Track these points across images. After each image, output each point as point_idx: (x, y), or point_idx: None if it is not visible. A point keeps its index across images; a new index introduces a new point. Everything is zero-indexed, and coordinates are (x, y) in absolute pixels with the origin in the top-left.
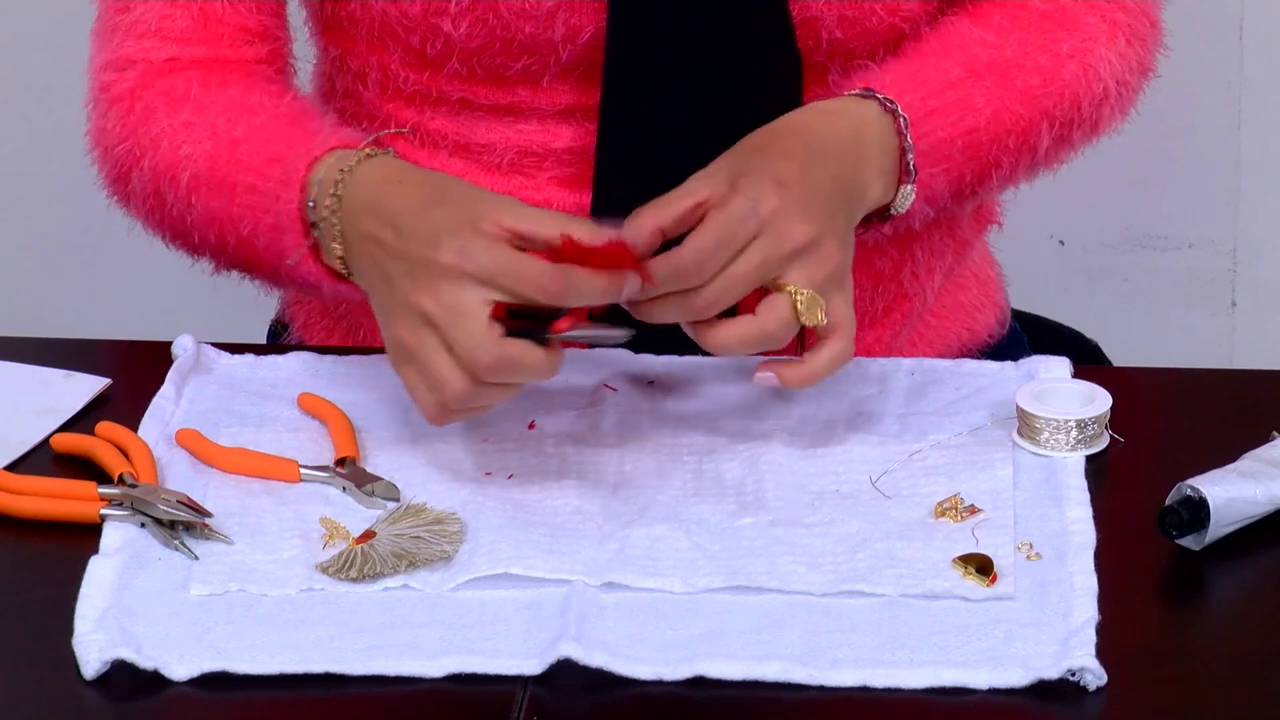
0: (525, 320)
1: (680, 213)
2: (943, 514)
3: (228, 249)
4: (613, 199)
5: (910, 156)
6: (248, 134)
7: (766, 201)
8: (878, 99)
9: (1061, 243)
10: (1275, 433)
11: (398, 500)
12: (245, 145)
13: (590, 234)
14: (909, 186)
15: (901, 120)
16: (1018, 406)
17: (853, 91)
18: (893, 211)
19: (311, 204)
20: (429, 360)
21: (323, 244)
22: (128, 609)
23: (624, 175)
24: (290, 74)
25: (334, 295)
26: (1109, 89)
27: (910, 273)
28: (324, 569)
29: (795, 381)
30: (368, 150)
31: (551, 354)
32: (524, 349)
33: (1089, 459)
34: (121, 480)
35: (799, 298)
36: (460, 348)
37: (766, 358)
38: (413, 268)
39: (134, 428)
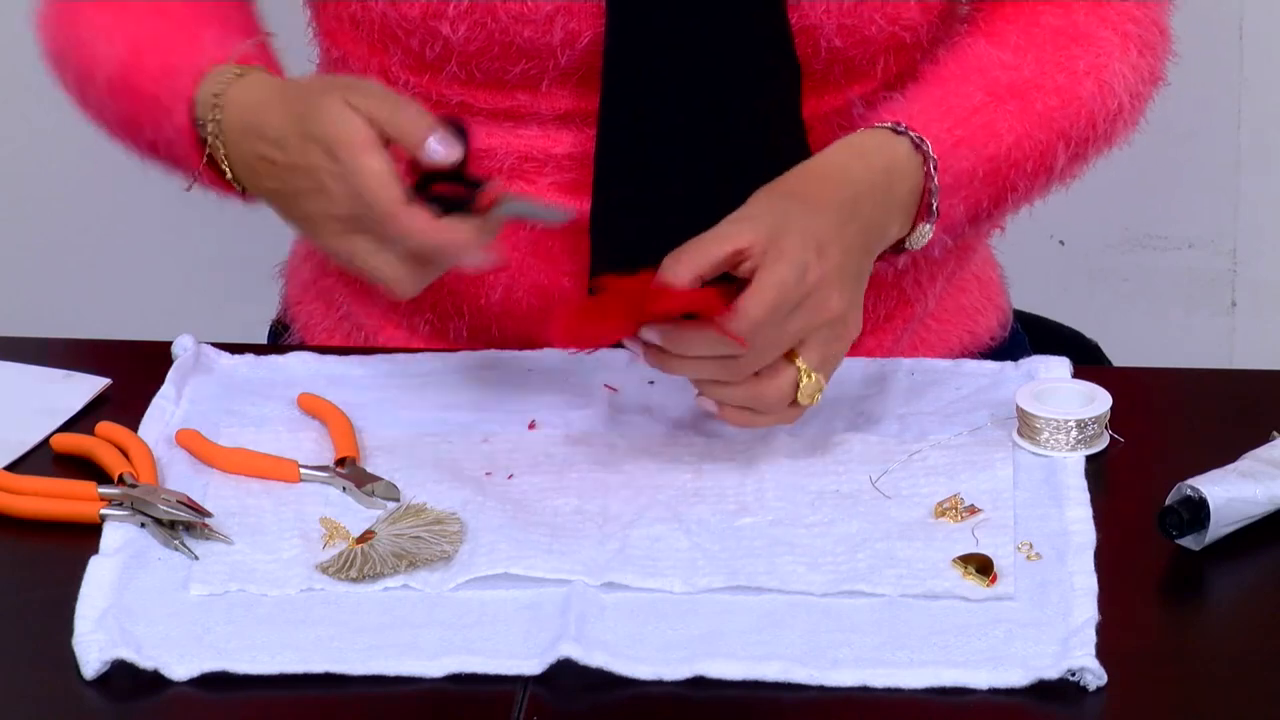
0: (448, 196)
1: (720, 259)
2: (943, 514)
3: (143, 154)
4: (612, 204)
5: (935, 199)
6: (151, 36)
7: (812, 270)
8: (909, 136)
9: (1062, 243)
10: (1275, 433)
11: (398, 500)
12: (148, 50)
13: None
14: (928, 225)
15: (931, 161)
16: (1018, 406)
17: (883, 124)
18: (907, 246)
19: (200, 122)
20: (368, 264)
21: (215, 160)
22: (128, 609)
23: (623, 180)
24: None
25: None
26: (1123, 103)
27: (913, 279)
28: (324, 569)
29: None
30: (236, 69)
31: (475, 227)
32: (448, 225)
33: (1089, 459)
34: (121, 480)
35: (805, 379)
36: (390, 228)
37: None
38: (309, 178)
39: (134, 428)
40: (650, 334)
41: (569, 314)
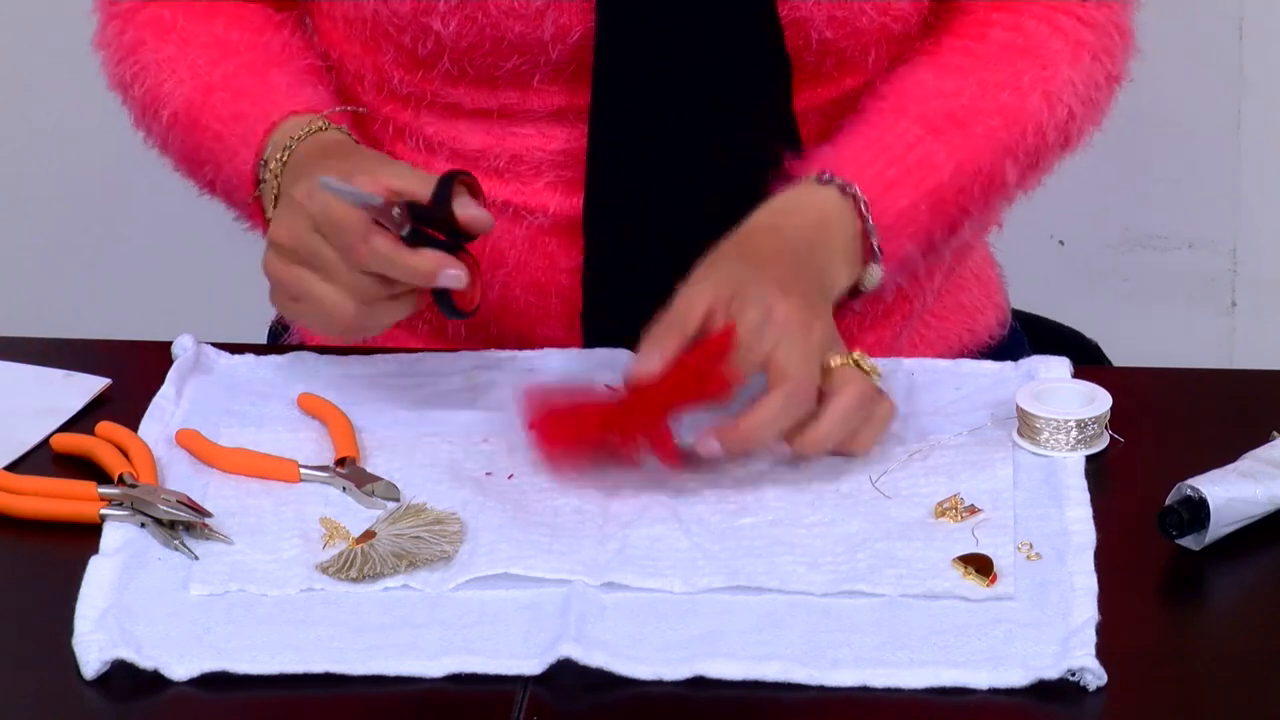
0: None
1: (693, 332)
2: (943, 514)
3: (199, 185)
4: (606, 201)
5: (874, 238)
6: (223, 79)
7: (779, 307)
8: (835, 183)
9: (1061, 243)
10: (1275, 433)
11: (398, 500)
12: (219, 92)
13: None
14: (875, 265)
15: (861, 203)
16: (1018, 406)
17: (810, 176)
18: (862, 289)
19: (263, 162)
20: (312, 290)
21: (263, 203)
22: (128, 609)
23: (616, 177)
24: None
25: None
26: (1073, 110)
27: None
28: (324, 569)
29: (734, 443)
30: (319, 124)
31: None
32: (415, 251)
33: (1089, 459)
34: (121, 480)
35: (862, 364)
36: (355, 244)
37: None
38: (285, 201)
39: (134, 428)
40: (711, 444)
41: (562, 431)
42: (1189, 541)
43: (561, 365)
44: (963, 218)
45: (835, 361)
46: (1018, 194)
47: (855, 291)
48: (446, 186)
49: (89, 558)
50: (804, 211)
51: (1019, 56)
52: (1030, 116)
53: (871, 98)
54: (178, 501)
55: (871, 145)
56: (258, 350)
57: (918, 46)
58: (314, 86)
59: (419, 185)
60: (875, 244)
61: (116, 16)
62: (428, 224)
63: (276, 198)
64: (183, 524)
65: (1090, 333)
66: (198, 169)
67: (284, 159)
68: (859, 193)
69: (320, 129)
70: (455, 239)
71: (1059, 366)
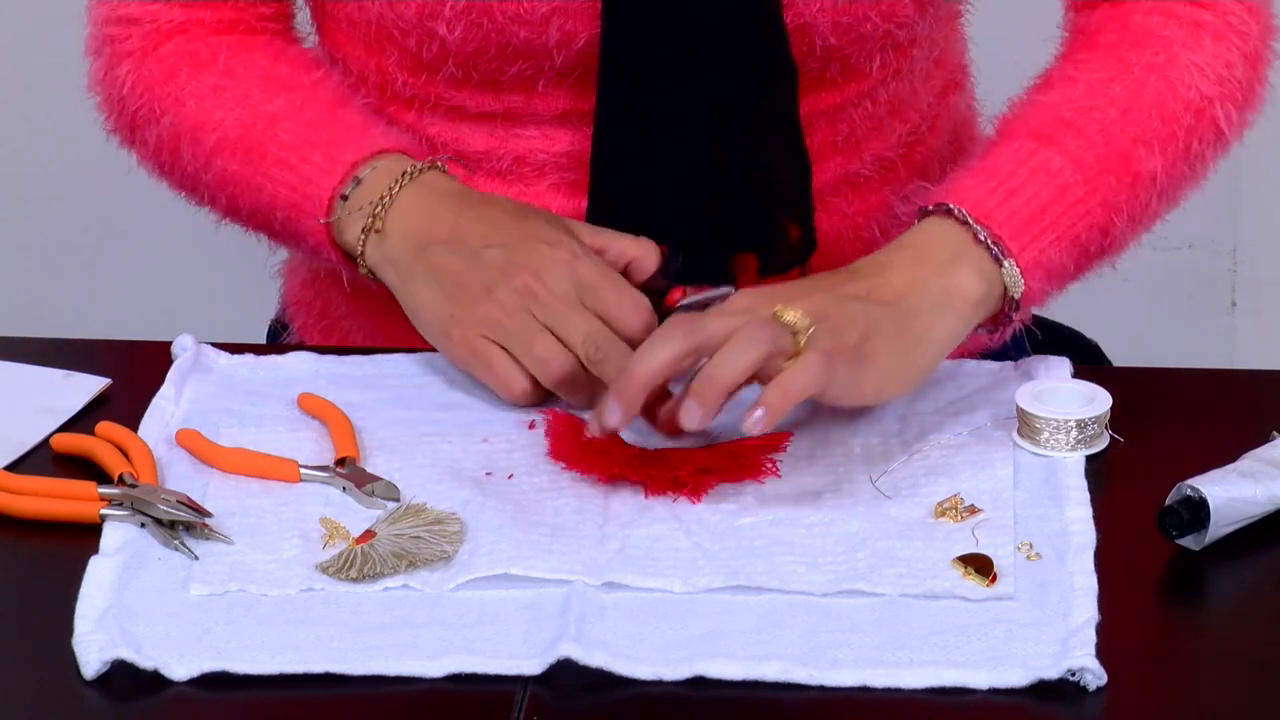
0: None
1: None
2: (943, 514)
3: (239, 211)
4: (609, 205)
5: (989, 242)
6: (286, 110)
7: (778, 294)
8: (936, 210)
9: None
10: (1275, 433)
11: (398, 500)
12: (284, 122)
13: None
14: (1009, 262)
15: (959, 213)
16: (1018, 406)
17: (925, 209)
18: (1011, 293)
19: (345, 192)
20: (531, 340)
21: (342, 225)
22: (128, 609)
23: (620, 180)
24: (297, 30)
25: (350, 279)
26: (1204, 92)
27: None
28: (324, 569)
29: (705, 391)
30: (432, 162)
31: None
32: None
33: (1089, 459)
34: (121, 480)
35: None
36: (614, 308)
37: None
38: (516, 253)
39: (134, 428)
40: (691, 411)
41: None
42: (1189, 541)
43: None
44: (1109, 213)
45: (789, 316)
46: (1182, 185)
47: (1015, 305)
48: (673, 266)
49: (89, 558)
50: (899, 244)
51: (1129, 50)
52: (1151, 102)
53: (990, 135)
54: (178, 501)
55: (977, 172)
56: (258, 350)
57: (1044, 78)
58: (388, 126)
59: (637, 249)
60: (989, 243)
61: (130, 54)
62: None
63: (371, 230)
64: (183, 524)
65: (1090, 333)
66: (245, 193)
67: (393, 189)
68: (961, 211)
69: (434, 166)
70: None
71: (1059, 366)
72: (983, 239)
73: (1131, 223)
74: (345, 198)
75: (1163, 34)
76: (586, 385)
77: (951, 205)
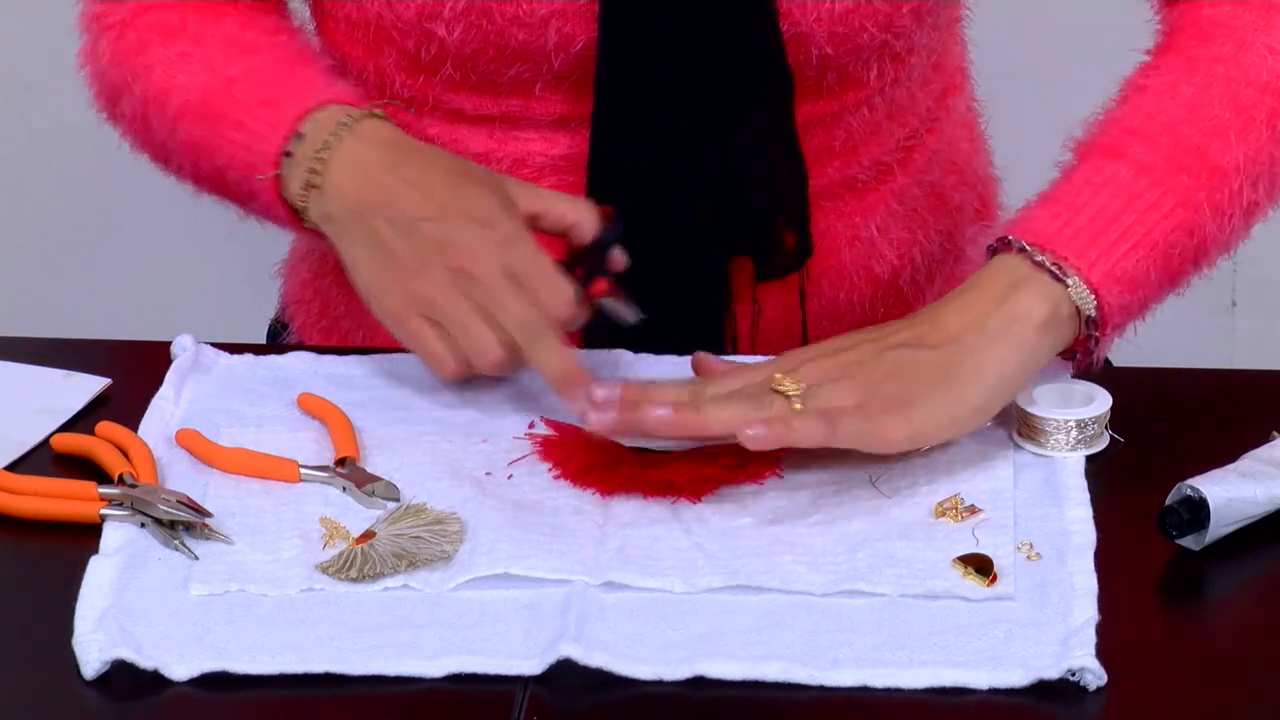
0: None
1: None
2: (943, 514)
3: (202, 176)
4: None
5: (1041, 257)
6: (244, 72)
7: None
8: (1004, 245)
9: None
10: (1275, 433)
11: (398, 500)
12: (241, 83)
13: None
14: (1074, 280)
15: (1015, 243)
16: (1018, 406)
17: (992, 247)
18: (1085, 312)
19: (289, 149)
20: (466, 326)
21: (287, 180)
22: (128, 609)
23: (616, 184)
24: (281, 5)
25: (299, 236)
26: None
27: (910, 278)
28: (324, 569)
29: (774, 433)
30: (378, 110)
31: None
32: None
33: (1089, 459)
34: (121, 480)
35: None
36: (542, 297)
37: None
38: (451, 230)
39: (134, 428)
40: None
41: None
42: (1189, 541)
43: None
44: (1189, 212)
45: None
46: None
47: (1093, 323)
48: (614, 232)
49: (89, 558)
50: (962, 286)
51: (1199, 47)
52: (1220, 94)
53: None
54: (178, 501)
55: (1042, 201)
56: (257, 350)
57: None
58: (344, 81)
59: (575, 213)
60: (1049, 265)
61: (110, 28)
62: (577, 260)
63: (311, 186)
64: (183, 524)
65: None
66: (205, 156)
67: (337, 133)
68: (1019, 241)
69: (374, 115)
70: (594, 274)
71: (1058, 367)
72: (1040, 261)
73: (1220, 216)
74: (289, 154)
75: (1233, 23)
76: (517, 367)
77: (1012, 238)
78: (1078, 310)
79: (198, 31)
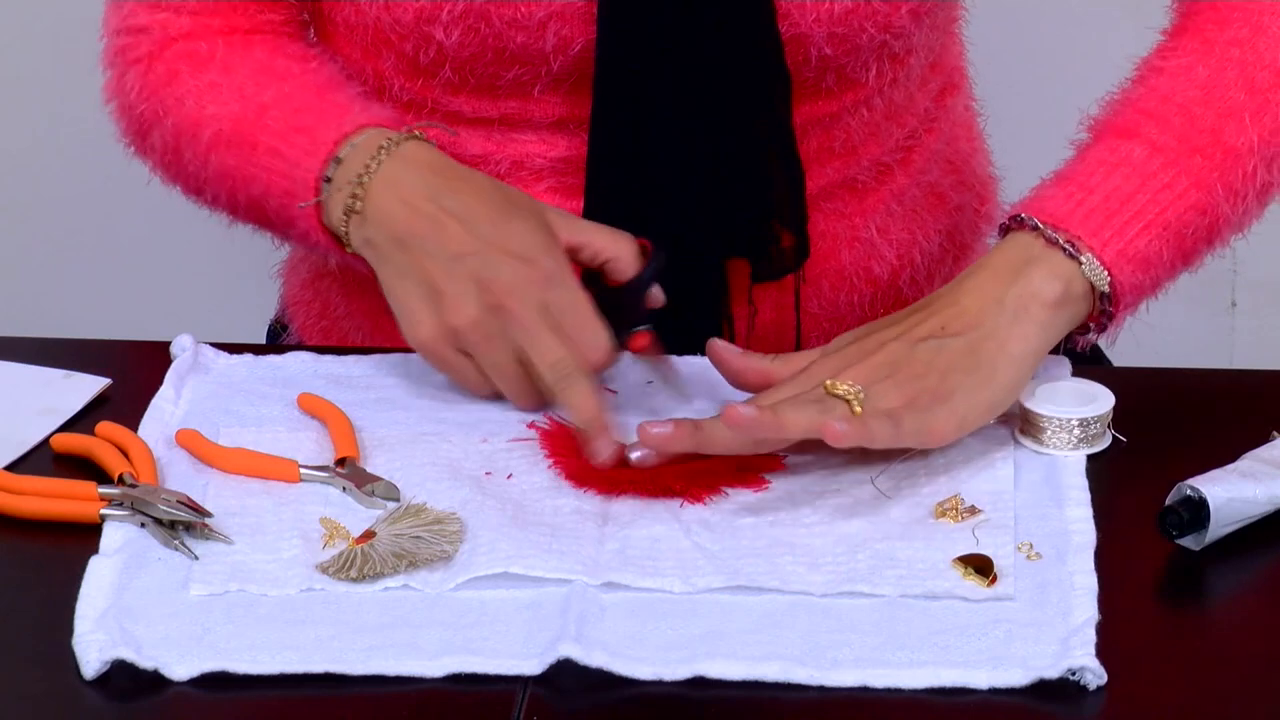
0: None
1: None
2: (943, 514)
3: (239, 206)
4: (604, 209)
5: (1054, 235)
6: (276, 99)
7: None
8: (1017, 223)
9: None
10: (1275, 433)
11: (398, 500)
12: (273, 110)
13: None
14: (1087, 257)
15: (1028, 220)
16: (1020, 405)
17: (1005, 225)
18: (1099, 288)
19: (328, 174)
20: (502, 369)
21: (328, 206)
22: (128, 609)
23: (614, 185)
24: (308, 31)
25: (340, 262)
26: None
27: (909, 278)
28: (324, 569)
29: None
30: (410, 134)
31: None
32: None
33: (1088, 459)
34: (121, 480)
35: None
36: (581, 339)
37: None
38: (491, 267)
39: (134, 428)
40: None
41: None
42: (1189, 541)
43: None
44: (1203, 193)
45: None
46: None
47: (1106, 300)
48: (654, 270)
49: (89, 558)
50: (976, 266)
51: (1215, 30)
52: (1235, 76)
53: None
54: (178, 501)
55: (1055, 179)
56: (257, 350)
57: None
58: (379, 104)
59: (616, 248)
60: (1061, 243)
61: (138, 61)
62: (607, 290)
63: (353, 211)
64: (183, 524)
65: None
66: (241, 186)
67: (379, 157)
68: (1032, 219)
69: (414, 137)
70: (631, 307)
71: (1057, 366)
72: (1053, 239)
73: (1233, 197)
74: (329, 180)
75: (1249, 6)
76: (548, 406)
77: (1024, 215)
78: (1091, 287)
79: (227, 61)
